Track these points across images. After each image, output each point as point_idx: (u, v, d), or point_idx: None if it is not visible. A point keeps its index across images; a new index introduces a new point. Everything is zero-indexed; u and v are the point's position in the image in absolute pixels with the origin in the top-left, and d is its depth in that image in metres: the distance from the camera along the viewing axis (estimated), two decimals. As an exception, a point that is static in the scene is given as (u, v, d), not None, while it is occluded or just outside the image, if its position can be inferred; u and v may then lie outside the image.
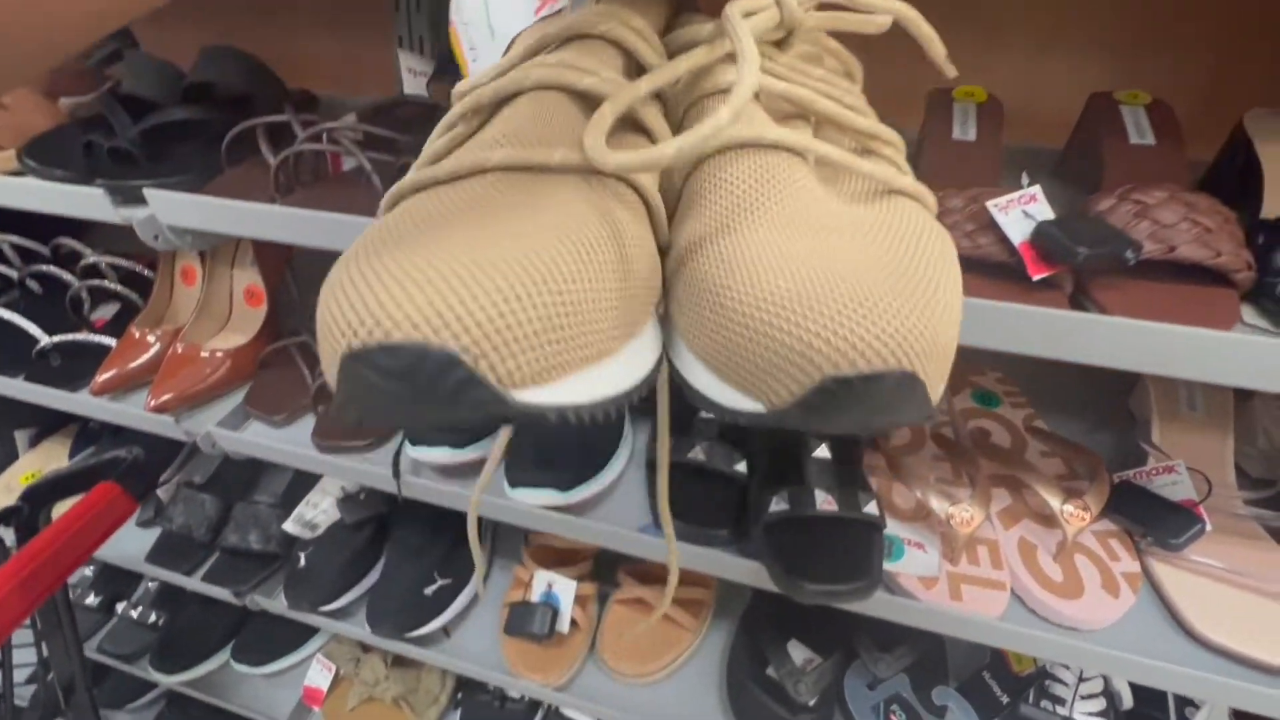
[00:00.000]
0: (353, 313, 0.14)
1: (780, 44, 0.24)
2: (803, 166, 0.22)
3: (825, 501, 0.51)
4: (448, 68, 0.54)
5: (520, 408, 0.15)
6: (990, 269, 0.43)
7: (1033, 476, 0.55)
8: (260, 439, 0.68)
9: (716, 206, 0.20)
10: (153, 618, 0.99)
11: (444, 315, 0.14)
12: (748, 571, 0.54)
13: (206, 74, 0.67)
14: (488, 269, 0.14)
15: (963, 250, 0.43)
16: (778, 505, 0.52)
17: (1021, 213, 0.43)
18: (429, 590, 0.74)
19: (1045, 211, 0.43)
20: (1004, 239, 0.42)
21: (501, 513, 0.60)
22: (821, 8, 0.25)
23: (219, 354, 0.75)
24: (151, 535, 0.88)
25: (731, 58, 0.21)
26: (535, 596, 0.73)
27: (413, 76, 0.59)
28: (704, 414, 0.63)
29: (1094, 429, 0.68)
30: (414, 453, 0.61)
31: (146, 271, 0.85)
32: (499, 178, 0.19)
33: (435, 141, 0.23)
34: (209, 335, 0.79)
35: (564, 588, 0.72)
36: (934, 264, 0.19)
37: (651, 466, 0.62)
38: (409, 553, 0.77)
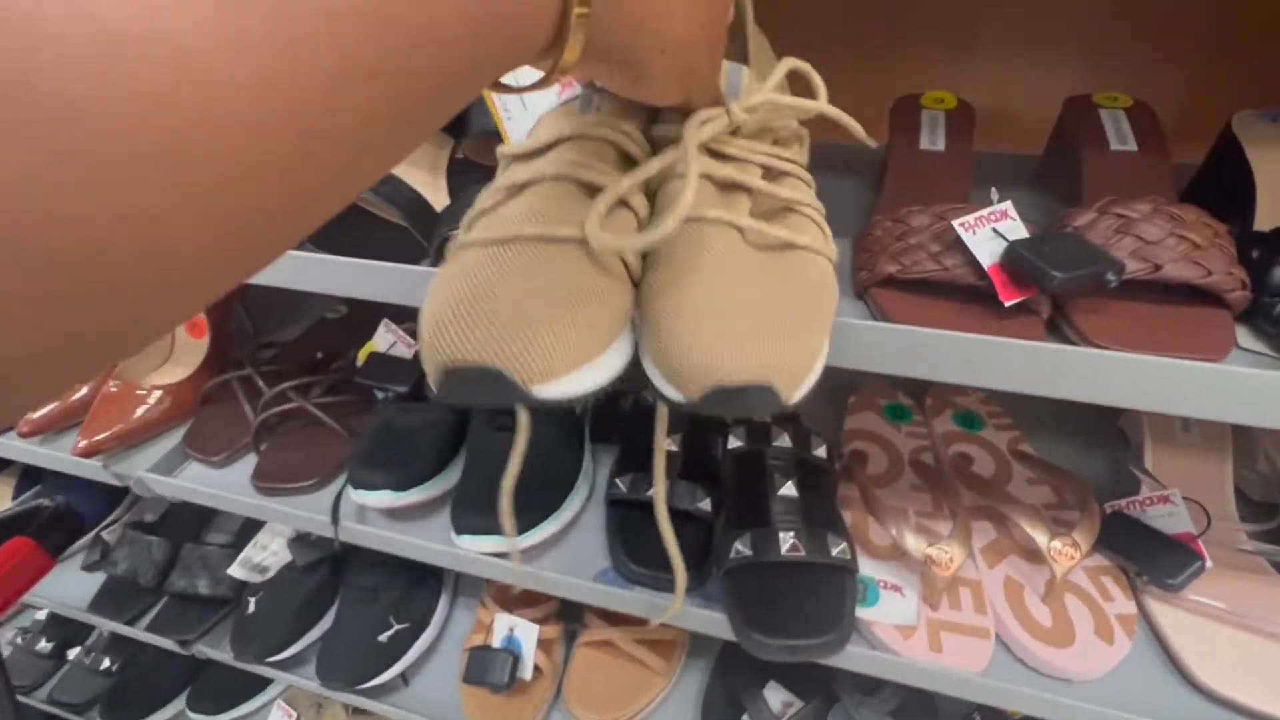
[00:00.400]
0: (450, 345, 0.23)
1: (733, 132, 0.32)
2: (730, 230, 0.30)
3: (791, 546, 0.47)
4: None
5: (538, 397, 0.24)
6: (959, 293, 0.39)
7: (1018, 510, 0.51)
8: (196, 483, 0.63)
9: (676, 261, 0.29)
10: (105, 664, 0.94)
11: (496, 349, 0.23)
12: (710, 622, 0.50)
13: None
14: (520, 321, 0.24)
15: (928, 273, 0.39)
16: (739, 550, 0.48)
17: (991, 231, 0.39)
18: (384, 636, 0.70)
19: (1018, 229, 0.39)
20: (973, 260, 0.38)
21: (447, 560, 0.56)
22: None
23: (157, 390, 0.71)
24: (99, 579, 0.84)
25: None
26: (496, 641, 0.68)
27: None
28: (669, 447, 0.59)
29: (1083, 450, 0.64)
30: (356, 496, 0.57)
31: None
32: (526, 244, 0.27)
33: (484, 202, 0.31)
34: (148, 369, 0.74)
35: (526, 632, 0.67)
36: (810, 306, 0.29)
37: (614, 504, 0.58)
38: (363, 596, 0.72)
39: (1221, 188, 0.48)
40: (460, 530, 0.53)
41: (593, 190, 0.29)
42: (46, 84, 0.09)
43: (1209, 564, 0.47)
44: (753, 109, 0.31)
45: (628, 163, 0.32)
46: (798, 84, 0.35)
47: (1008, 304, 0.37)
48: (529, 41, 0.18)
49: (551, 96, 0.39)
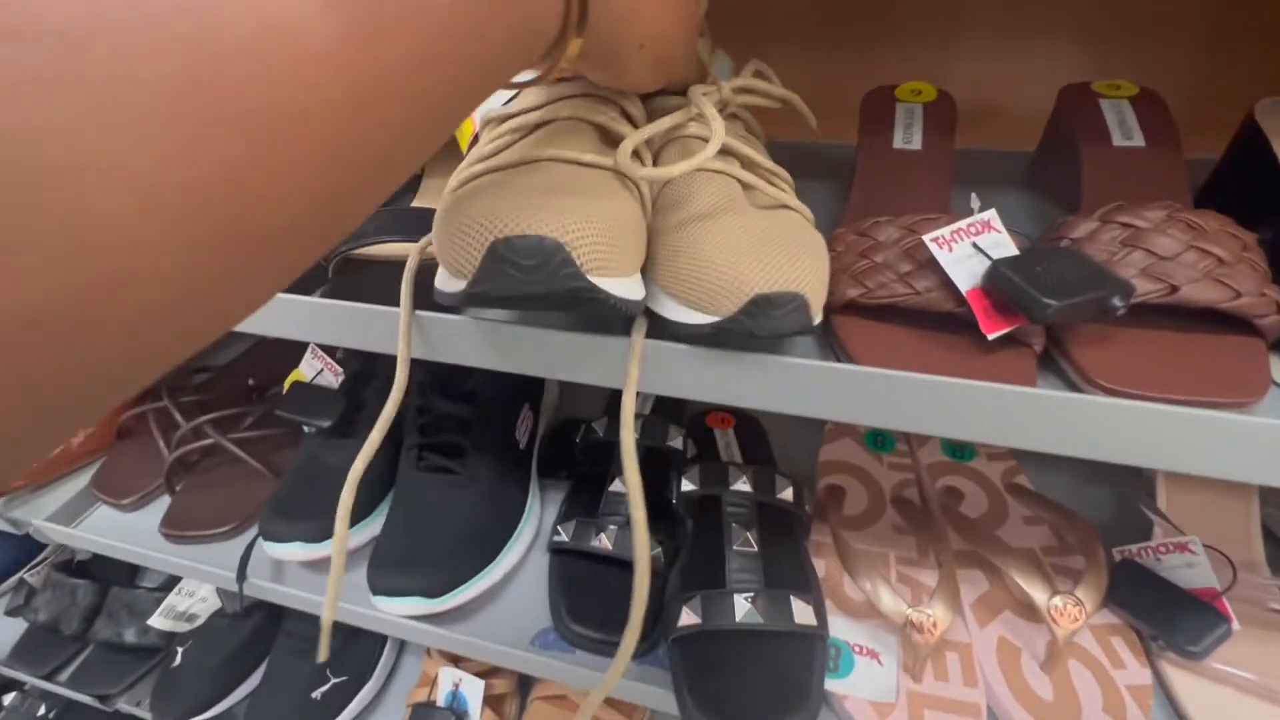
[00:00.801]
0: (496, 219, 0.24)
1: (720, 110, 0.36)
2: (734, 183, 0.33)
3: (747, 612, 0.40)
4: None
5: (592, 286, 0.25)
6: (933, 321, 0.33)
7: (1012, 559, 0.45)
8: (99, 531, 0.57)
9: (699, 203, 0.31)
10: (42, 710, 0.88)
11: (558, 223, 0.24)
12: (659, 697, 0.43)
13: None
14: (578, 204, 0.25)
15: (896, 298, 0.33)
16: (689, 616, 0.41)
17: (971, 247, 0.32)
18: (319, 693, 0.63)
19: (1003, 244, 0.33)
20: (948, 283, 0.32)
21: (366, 621, 0.49)
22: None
23: (68, 424, 0.65)
24: (22, 625, 0.78)
25: (696, 119, 0.35)
26: (440, 698, 0.62)
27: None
28: (614, 489, 0.53)
29: (1087, 483, 0.57)
30: (267, 548, 0.51)
31: None
32: (549, 165, 0.29)
33: (482, 148, 0.32)
34: (62, 401, 0.68)
35: (471, 688, 0.61)
36: (807, 248, 0.29)
37: (556, 553, 0.51)
38: (298, 646, 0.66)
39: (1244, 188, 0.41)
40: (377, 590, 0.47)
41: (604, 133, 0.33)
42: (231, 64, 0.12)
43: (1236, 626, 0.40)
44: (738, 90, 0.36)
45: (627, 123, 0.35)
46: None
47: (991, 336, 0.30)
48: (543, 41, 0.21)
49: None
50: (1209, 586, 0.42)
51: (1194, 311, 0.31)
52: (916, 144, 0.44)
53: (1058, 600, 0.42)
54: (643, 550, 0.30)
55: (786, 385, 0.31)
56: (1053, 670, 0.42)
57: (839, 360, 0.34)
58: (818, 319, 0.28)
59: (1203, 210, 0.33)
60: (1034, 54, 0.55)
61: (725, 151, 0.34)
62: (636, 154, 0.33)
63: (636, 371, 0.31)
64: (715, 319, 0.27)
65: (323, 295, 0.38)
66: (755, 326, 0.26)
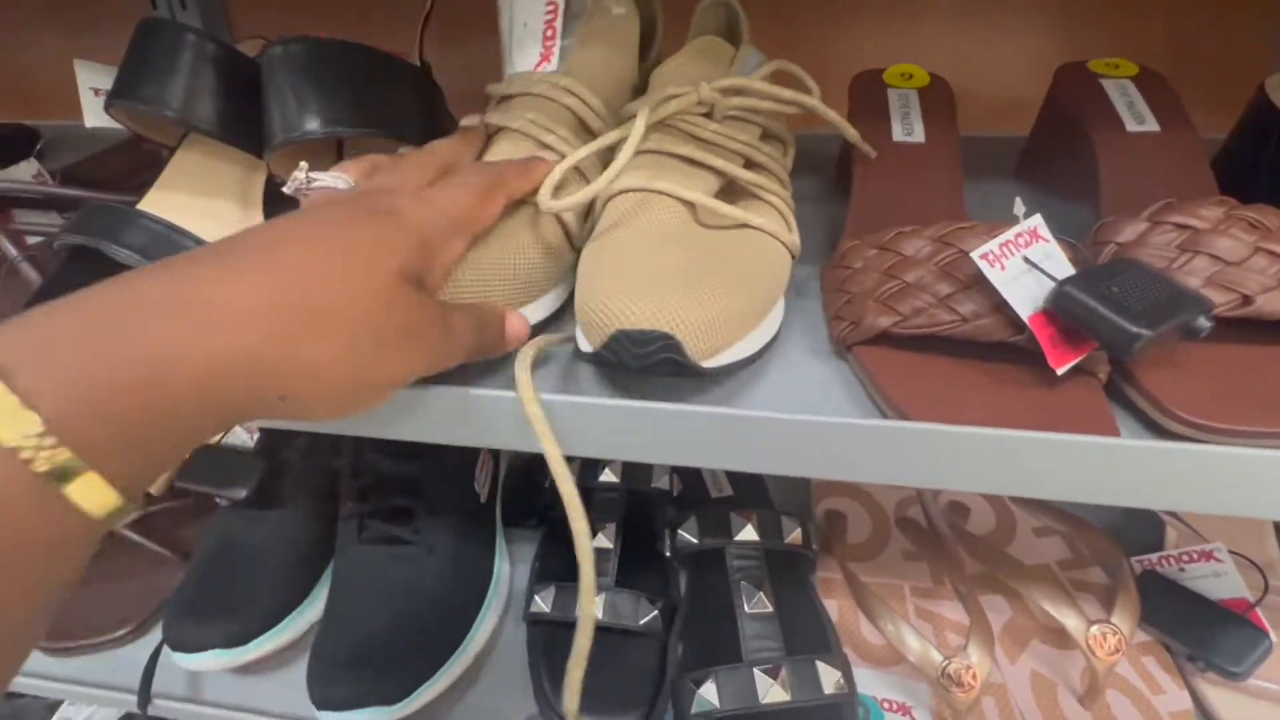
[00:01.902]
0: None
1: (708, 114, 0.32)
2: (675, 205, 0.30)
3: (772, 688, 0.35)
4: (139, 88, 0.34)
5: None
6: (980, 352, 0.28)
7: (1034, 582, 0.41)
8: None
9: (601, 230, 0.30)
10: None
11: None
12: (672, 790, 0.38)
13: None
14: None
15: (940, 327, 0.28)
16: (705, 700, 0.35)
17: (1023, 262, 0.27)
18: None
19: (1054, 257, 0.28)
20: (1002, 306, 0.27)
21: (311, 736, 0.41)
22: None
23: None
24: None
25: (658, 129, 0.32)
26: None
27: (96, 99, 0.39)
28: (596, 544, 0.46)
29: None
30: (179, 660, 0.41)
31: None
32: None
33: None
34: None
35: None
36: (741, 278, 0.27)
37: (535, 624, 0.44)
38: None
39: (1258, 172, 0.39)
40: (321, 702, 0.38)
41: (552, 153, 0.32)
42: None
43: (1274, 639, 0.38)
44: (725, 90, 0.31)
45: (587, 133, 0.34)
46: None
47: (1060, 370, 0.25)
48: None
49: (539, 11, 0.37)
50: (1239, 597, 0.40)
51: (1265, 325, 0.27)
52: (919, 136, 0.39)
53: (1096, 630, 0.38)
54: (588, 607, 0.28)
55: (819, 447, 0.25)
56: (1093, 704, 0.39)
57: (874, 403, 0.28)
58: (710, 359, 0.25)
59: (1260, 205, 0.29)
60: (1003, 31, 0.52)
61: (693, 163, 0.31)
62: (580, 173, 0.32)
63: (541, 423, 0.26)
64: (589, 349, 0.26)
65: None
66: (623, 361, 0.24)
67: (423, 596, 0.42)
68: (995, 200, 0.43)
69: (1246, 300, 0.27)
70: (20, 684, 0.44)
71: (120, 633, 0.46)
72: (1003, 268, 0.27)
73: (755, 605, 0.38)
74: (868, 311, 0.29)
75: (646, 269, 0.26)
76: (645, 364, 0.24)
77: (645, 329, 0.23)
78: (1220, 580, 0.41)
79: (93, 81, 0.39)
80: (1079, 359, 0.26)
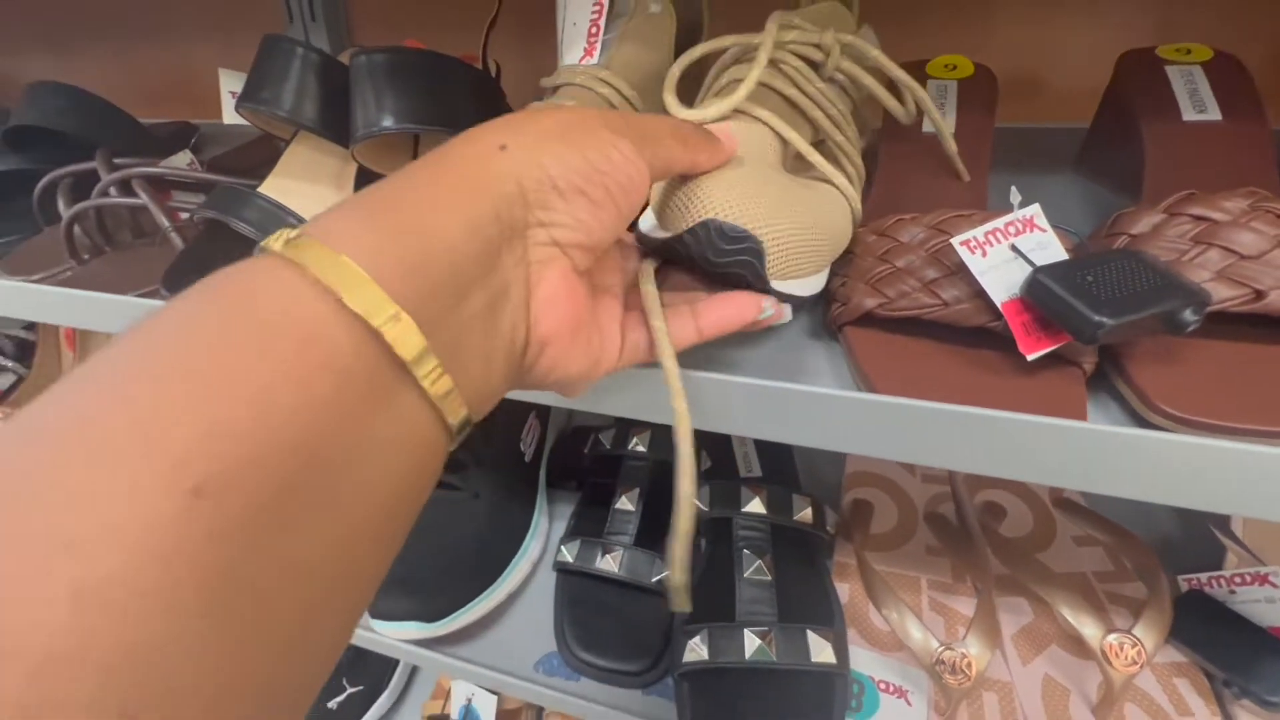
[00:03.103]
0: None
1: (816, 68, 0.32)
2: (771, 137, 0.30)
3: (758, 649, 0.37)
4: (260, 92, 0.42)
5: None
6: (965, 337, 0.28)
7: (1060, 587, 0.40)
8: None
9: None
10: None
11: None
12: (664, 733, 0.41)
13: (29, 117, 0.56)
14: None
15: (921, 310, 0.29)
16: (695, 652, 0.38)
17: (1010, 250, 0.28)
18: (335, 702, 0.63)
19: (1049, 246, 0.28)
20: (981, 293, 0.27)
21: (365, 642, 0.48)
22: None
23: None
24: None
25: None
26: (454, 711, 0.61)
27: (233, 100, 0.48)
28: (620, 506, 0.50)
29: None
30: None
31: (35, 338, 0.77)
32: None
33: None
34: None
35: (484, 702, 0.59)
36: (808, 211, 0.27)
37: (562, 573, 0.49)
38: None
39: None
40: (374, 613, 0.45)
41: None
42: None
43: (1326, 674, 0.35)
44: (846, 46, 0.31)
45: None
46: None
47: (1030, 357, 0.26)
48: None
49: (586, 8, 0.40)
50: (1294, 626, 0.37)
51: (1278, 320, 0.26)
52: (950, 127, 0.39)
53: (1113, 638, 0.37)
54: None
55: (789, 413, 0.27)
56: (1106, 716, 0.38)
57: (854, 379, 0.30)
58: (778, 272, 0.25)
59: (1296, 198, 0.27)
60: (1088, 17, 0.49)
61: (793, 106, 0.31)
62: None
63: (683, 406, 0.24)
64: (666, 234, 0.26)
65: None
66: (699, 251, 0.24)
67: (466, 535, 0.48)
68: (1053, 193, 0.42)
69: (1259, 295, 0.26)
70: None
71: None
72: (984, 255, 0.28)
73: (754, 573, 0.40)
74: (855, 293, 0.30)
75: (745, 176, 0.25)
76: (723, 259, 0.24)
77: (738, 225, 0.24)
78: (1273, 606, 0.38)
79: (232, 86, 0.48)
80: (1053, 347, 0.26)
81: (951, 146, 0.34)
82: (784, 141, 0.30)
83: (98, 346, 0.71)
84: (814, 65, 0.32)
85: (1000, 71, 0.42)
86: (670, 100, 0.30)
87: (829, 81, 0.32)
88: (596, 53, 0.39)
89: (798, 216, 0.26)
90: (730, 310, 0.26)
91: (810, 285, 0.28)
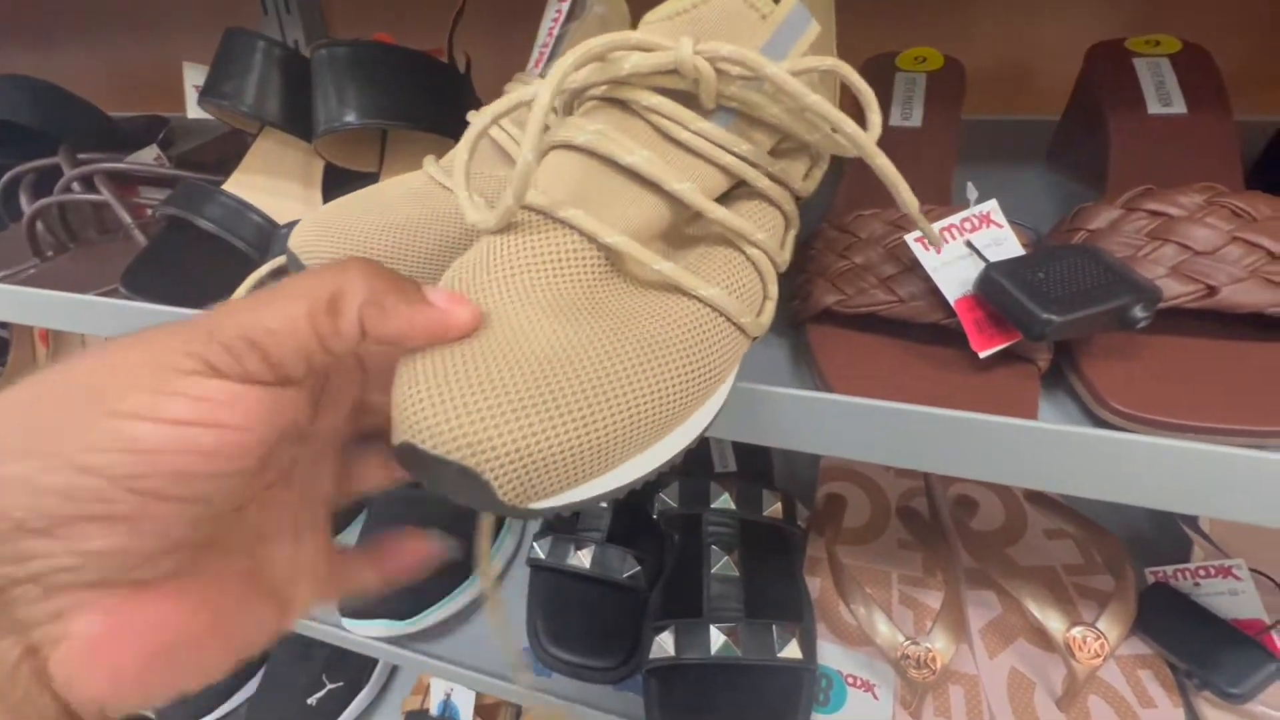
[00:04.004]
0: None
1: (690, 102, 0.21)
2: (584, 245, 0.20)
3: (723, 645, 0.37)
4: (222, 86, 0.41)
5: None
6: (922, 334, 0.28)
7: (1026, 581, 0.40)
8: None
9: (470, 254, 0.21)
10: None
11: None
12: (635, 728, 0.41)
13: (-7, 110, 0.56)
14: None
15: (878, 307, 0.29)
16: (662, 647, 0.38)
17: (965, 246, 0.28)
18: (314, 699, 0.63)
19: (1006, 242, 0.28)
20: (935, 290, 0.27)
21: (340, 640, 0.48)
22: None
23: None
24: None
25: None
26: (434, 706, 0.61)
27: (196, 94, 0.47)
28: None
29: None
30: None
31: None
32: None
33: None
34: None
35: (463, 698, 0.60)
36: (631, 385, 0.18)
37: (537, 568, 0.49)
38: (297, 651, 0.66)
39: (1308, 158, 0.35)
40: (344, 610, 0.45)
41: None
42: None
43: (1286, 665, 0.36)
44: (720, 62, 0.19)
45: None
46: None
47: (983, 354, 0.26)
48: None
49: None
50: (1255, 618, 0.37)
51: (1237, 318, 0.26)
52: (916, 120, 0.38)
53: (1076, 631, 0.37)
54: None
55: (748, 412, 0.27)
56: (1070, 708, 0.38)
57: (811, 376, 0.30)
58: (535, 504, 0.17)
59: (1251, 193, 0.27)
60: (1068, 9, 0.49)
61: (638, 180, 0.21)
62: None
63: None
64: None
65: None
66: (424, 482, 0.17)
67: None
68: (1022, 187, 0.42)
69: (1211, 291, 0.26)
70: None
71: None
72: (938, 251, 0.27)
73: (721, 568, 0.40)
74: (815, 289, 0.30)
75: (489, 354, 0.17)
76: (442, 492, 0.17)
77: (440, 455, 0.16)
78: (1236, 599, 0.38)
79: (196, 80, 0.47)
80: (1005, 344, 0.26)
81: (912, 204, 0.23)
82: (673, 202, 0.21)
83: (71, 344, 0.70)
84: (688, 96, 0.21)
85: (980, 64, 0.41)
86: (462, 196, 0.20)
87: (720, 113, 0.22)
88: (544, 61, 0.37)
89: (586, 401, 0.17)
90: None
91: (643, 465, 0.18)
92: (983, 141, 0.41)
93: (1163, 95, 0.36)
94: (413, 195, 0.30)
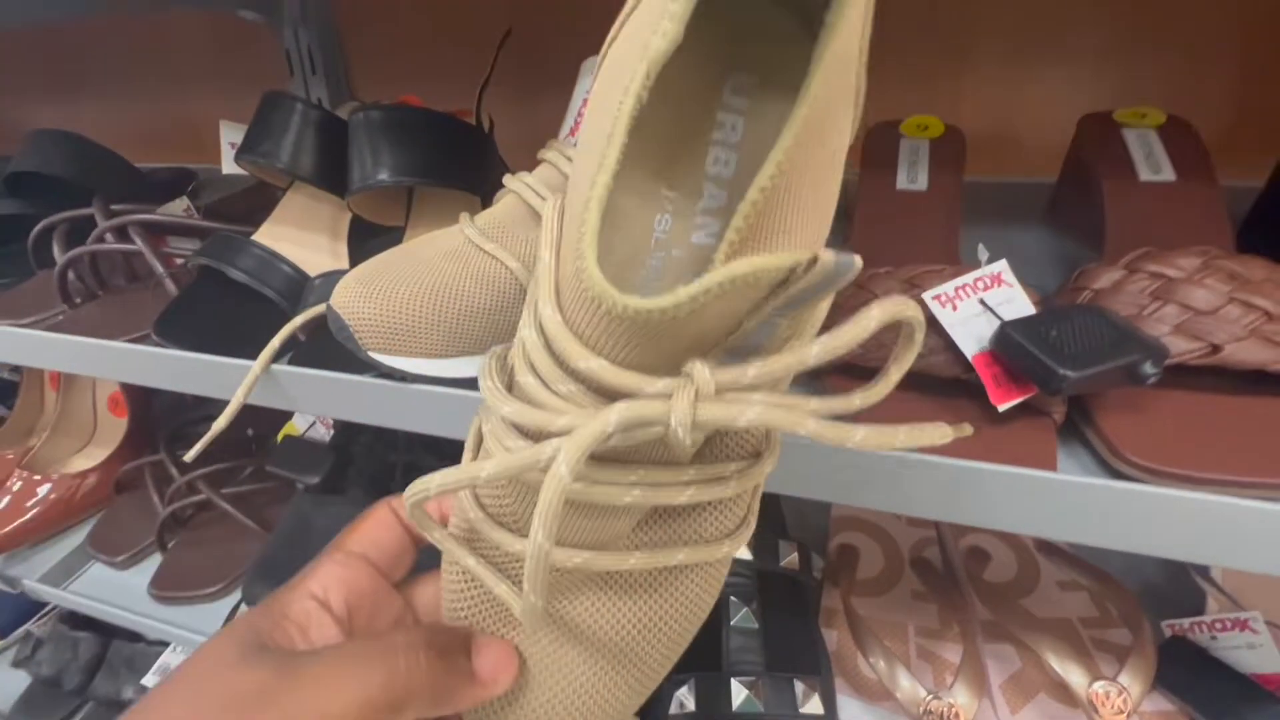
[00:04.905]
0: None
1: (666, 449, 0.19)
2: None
3: (745, 700, 0.37)
4: (260, 145, 0.43)
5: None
6: (938, 388, 0.29)
7: (1045, 634, 0.40)
8: (90, 591, 0.56)
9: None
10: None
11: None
12: (652, 790, 0.40)
13: (29, 163, 0.58)
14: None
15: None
16: (681, 703, 0.38)
17: (979, 304, 0.29)
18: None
19: (1016, 301, 0.29)
20: (952, 346, 0.28)
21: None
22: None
23: (69, 476, 0.64)
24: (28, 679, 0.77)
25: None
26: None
27: (233, 151, 0.49)
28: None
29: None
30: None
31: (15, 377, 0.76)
32: None
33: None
34: (66, 453, 0.68)
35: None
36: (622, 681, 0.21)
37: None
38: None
39: (1289, 223, 0.37)
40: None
41: None
42: None
43: (1309, 722, 0.35)
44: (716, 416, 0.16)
45: None
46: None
47: (1001, 408, 0.27)
48: None
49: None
50: (1275, 672, 0.37)
51: (1240, 374, 0.27)
52: (922, 184, 0.41)
53: (1099, 686, 0.37)
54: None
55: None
56: (1096, 767, 0.38)
57: (834, 429, 0.31)
58: None
59: (1245, 256, 0.29)
60: (1051, 79, 0.52)
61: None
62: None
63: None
64: None
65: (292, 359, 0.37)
66: None
67: None
68: (1022, 245, 0.44)
69: (1214, 349, 0.27)
70: (132, 620, 0.53)
71: (212, 589, 0.55)
72: (954, 309, 0.29)
73: (741, 620, 0.40)
74: (833, 345, 0.31)
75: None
76: None
77: None
78: (1254, 652, 0.38)
79: (232, 138, 0.49)
80: (1022, 398, 0.27)
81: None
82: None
83: (82, 389, 0.70)
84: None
85: (970, 128, 0.44)
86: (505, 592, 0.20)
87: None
88: (579, 130, 0.37)
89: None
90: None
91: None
92: (978, 201, 0.43)
93: (1152, 164, 0.39)
94: (450, 256, 0.32)
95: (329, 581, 0.21)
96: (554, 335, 0.17)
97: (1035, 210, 0.48)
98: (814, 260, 0.14)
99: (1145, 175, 0.38)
